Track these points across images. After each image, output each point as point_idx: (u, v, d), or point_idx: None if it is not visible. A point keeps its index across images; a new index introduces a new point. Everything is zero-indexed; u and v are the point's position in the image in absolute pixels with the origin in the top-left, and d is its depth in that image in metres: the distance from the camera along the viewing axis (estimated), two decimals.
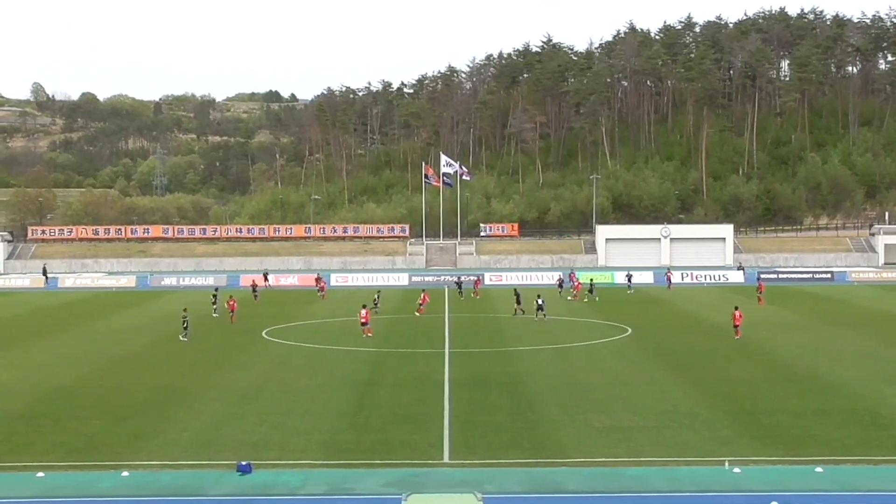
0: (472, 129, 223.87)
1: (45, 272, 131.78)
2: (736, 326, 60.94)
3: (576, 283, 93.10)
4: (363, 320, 65.27)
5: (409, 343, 61.18)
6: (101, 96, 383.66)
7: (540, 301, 73.82)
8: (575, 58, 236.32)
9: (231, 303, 74.46)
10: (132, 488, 29.59)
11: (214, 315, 76.25)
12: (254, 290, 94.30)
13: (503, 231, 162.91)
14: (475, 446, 34.19)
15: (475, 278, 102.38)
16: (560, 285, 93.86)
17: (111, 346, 61.33)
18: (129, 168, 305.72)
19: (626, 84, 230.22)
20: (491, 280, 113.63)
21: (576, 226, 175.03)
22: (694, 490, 28.80)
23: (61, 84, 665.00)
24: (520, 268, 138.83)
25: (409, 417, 38.87)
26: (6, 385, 47.50)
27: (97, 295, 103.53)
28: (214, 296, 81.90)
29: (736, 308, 62.53)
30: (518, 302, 76.00)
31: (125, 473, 31.01)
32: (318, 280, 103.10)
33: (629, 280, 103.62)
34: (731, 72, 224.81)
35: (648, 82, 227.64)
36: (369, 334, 64.05)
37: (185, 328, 63.83)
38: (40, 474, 31.01)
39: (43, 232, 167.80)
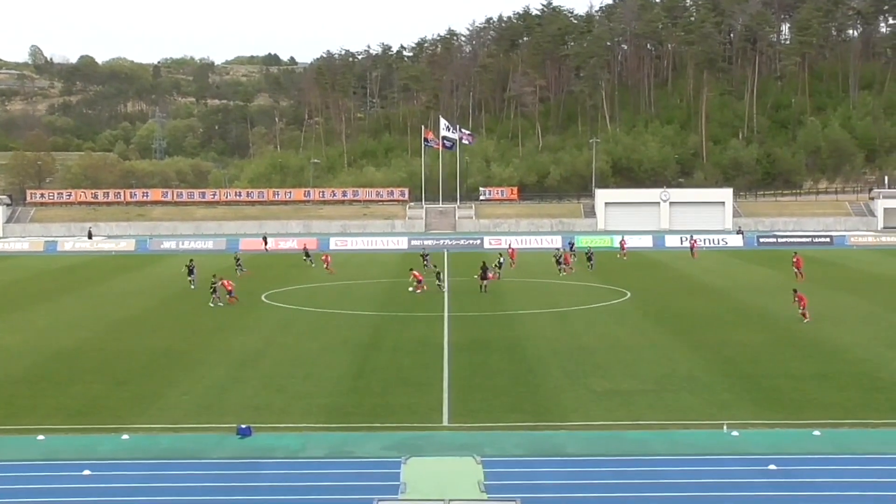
0: (472, 93, 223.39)
1: (90, 235, 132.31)
2: (803, 310, 52.90)
3: (565, 256, 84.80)
4: (419, 278, 68.83)
5: (408, 307, 61.20)
6: (100, 59, 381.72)
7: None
8: (575, 21, 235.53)
9: (325, 258, 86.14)
10: (133, 451, 29.66)
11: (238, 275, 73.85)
12: (307, 255, 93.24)
13: (502, 195, 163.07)
14: (475, 410, 34.27)
15: (509, 249, 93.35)
16: (558, 262, 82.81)
17: (112, 310, 61.43)
18: (128, 131, 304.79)
19: (626, 48, 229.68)
20: (490, 244, 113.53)
21: (575, 190, 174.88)
22: (693, 453, 28.87)
23: (59, 47, 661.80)
24: (519, 231, 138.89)
25: (409, 381, 38.95)
26: (7, 349, 47.60)
27: (97, 259, 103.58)
28: (237, 259, 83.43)
29: (795, 290, 55.47)
30: (484, 277, 68.31)
31: (126, 436, 31.09)
32: (306, 251, 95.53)
33: (572, 247, 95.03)
34: (732, 35, 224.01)
35: (649, 46, 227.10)
36: (419, 290, 67.53)
37: (214, 292, 63.22)
38: (41, 437, 31.08)
39: (42, 196, 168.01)
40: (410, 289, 68.47)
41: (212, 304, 62.47)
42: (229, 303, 62.85)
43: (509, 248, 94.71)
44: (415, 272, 70.37)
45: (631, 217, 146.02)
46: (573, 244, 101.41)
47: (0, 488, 26.47)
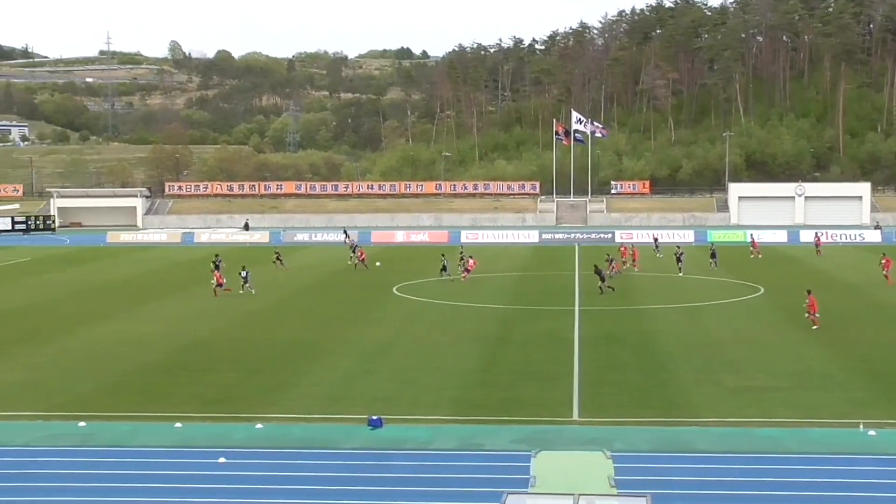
0: (604, 86, 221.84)
1: (246, 226, 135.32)
2: (813, 313, 49.88)
3: (622, 251, 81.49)
4: (470, 267, 72.43)
5: (539, 301, 61.15)
6: (236, 54, 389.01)
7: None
8: (709, 13, 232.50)
9: (361, 252, 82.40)
10: (266, 440, 30.16)
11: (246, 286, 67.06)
12: (353, 250, 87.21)
13: (634, 188, 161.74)
14: (605, 404, 34.13)
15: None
16: (678, 259, 78.23)
17: (245, 301, 62.39)
18: (262, 125, 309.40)
19: (760, 40, 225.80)
20: (621, 238, 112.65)
21: (708, 184, 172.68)
22: (828, 452, 28.34)
23: (197, 42, 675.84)
24: (650, 226, 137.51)
25: (539, 375, 38.92)
26: (145, 338, 48.70)
27: (231, 250, 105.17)
28: (277, 253, 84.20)
29: (808, 292, 51.69)
30: (602, 278, 64.21)
31: (259, 426, 31.62)
32: (352, 245, 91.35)
33: (656, 242, 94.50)
34: (871, 26, 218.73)
35: (784, 38, 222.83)
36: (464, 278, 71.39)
37: (245, 282, 65.73)
38: (178, 425, 31.79)
39: (179, 188, 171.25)
40: (447, 277, 72.29)
41: (253, 291, 64.90)
42: (216, 295, 64.18)
43: (621, 246, 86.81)
44: (471, 259, 74.26)
45: (765, 212, 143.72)
46: (657, 239, 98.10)
47: (140, 473, 27.18)
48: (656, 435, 30.30)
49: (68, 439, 30.51)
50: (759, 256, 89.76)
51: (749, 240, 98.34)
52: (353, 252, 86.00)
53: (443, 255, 75.99)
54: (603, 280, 64.16)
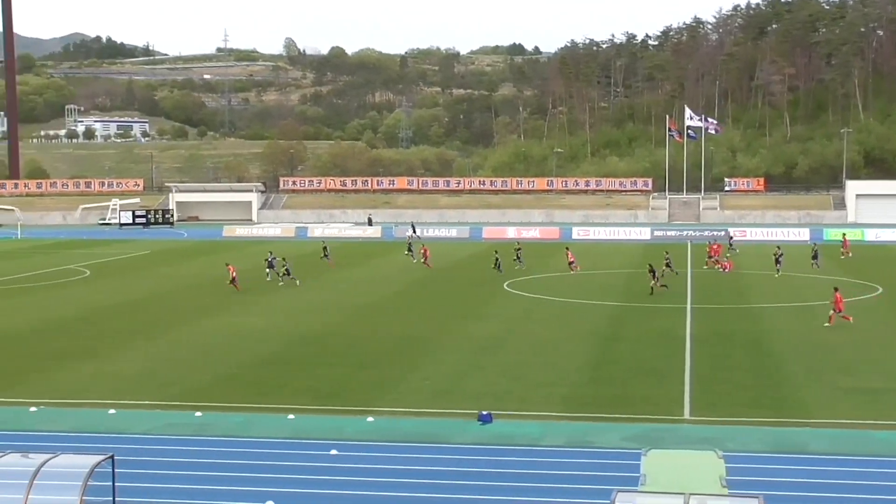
0: (718, 82, 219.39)
1: (370, 222, 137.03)
2: (838, 312, 49.70)
3: (713, 248, 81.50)
4: (571, 259, 76.33)
5: (650, 298, 60.71)
6: (349, 50, 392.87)
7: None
8: (827, 7, 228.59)
9: (424, 250, 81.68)
10: (377, 433, 30.46)
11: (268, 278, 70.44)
12: (409, 249, 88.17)
13: (748, 186, 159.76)
14: (716, 403, 33.86)
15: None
16: (815, 256, 77.48)
17: (356, 295, 63.02)
18: (375, 121, 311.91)
19: (881, 33, 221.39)
20: (735, 236, 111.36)
21: (824, 181, 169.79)
22: None
23: (312, 39, 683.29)
24: (765, 224, 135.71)
25: (650, 373, 38.75)
26: (258, 330, 49.44)
27: (344, 245, 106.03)
28: (325, 248, 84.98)
29: (836, 289, 51.59)
30: (655, 278, 62.88)
31: (370, 419, 31.96)
32: (409, 242, 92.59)
33: (730, 241, 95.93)
34: None
35: None
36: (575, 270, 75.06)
37: (287, 274, 68.75)
38: (290, 417, 32.27)
39: (293, 183, 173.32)
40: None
41: (298, 282, 67.67)
42: (237, 289, 65.02)
43: (713, 242, 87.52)
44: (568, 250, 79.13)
45: (884, 210, 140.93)
46: (731, 237, 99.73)
47: (253, 463, 27.66)
48: (769, 435, 29.99)
49: (184, 429, 31.19)
50: (849, 255, 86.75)
51: (841, 239, 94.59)
52: (409, 250, 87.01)
53: (496, 252, 76.97)
54: (656, 280, 62.97)
